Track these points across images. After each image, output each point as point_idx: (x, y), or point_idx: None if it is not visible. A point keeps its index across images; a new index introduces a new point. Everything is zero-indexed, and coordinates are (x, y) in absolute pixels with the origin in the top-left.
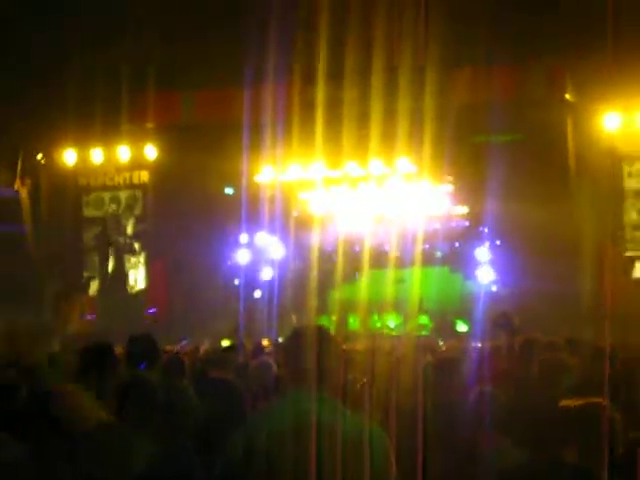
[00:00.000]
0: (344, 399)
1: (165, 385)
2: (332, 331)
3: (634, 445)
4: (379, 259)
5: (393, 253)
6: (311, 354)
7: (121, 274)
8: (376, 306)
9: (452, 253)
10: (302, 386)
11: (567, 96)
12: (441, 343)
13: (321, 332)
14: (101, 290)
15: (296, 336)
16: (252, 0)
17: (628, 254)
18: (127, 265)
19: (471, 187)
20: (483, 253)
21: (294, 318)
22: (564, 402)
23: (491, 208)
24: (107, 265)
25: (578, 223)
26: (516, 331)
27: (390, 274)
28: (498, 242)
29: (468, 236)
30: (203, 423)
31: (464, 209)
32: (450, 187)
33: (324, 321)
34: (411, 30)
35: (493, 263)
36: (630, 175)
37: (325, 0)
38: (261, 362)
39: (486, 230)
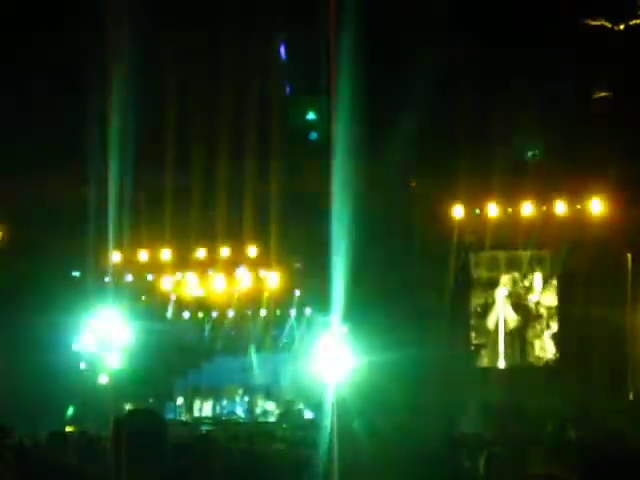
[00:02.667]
0: None
1: None
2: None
3: None
4: (229, 345)
5: (243, 339)
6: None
7: None
8: (224, 392)
9: (300, 339)
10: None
11: (412, 184)
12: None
13: (147, 418)
14: None
15: (116, 424)
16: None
17: (474, 342)
18: None
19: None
20: (329, 339)
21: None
22: None
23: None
24: None
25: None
26: None
27: (238, 360)
28: (346, 327)
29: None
30: None
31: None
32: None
33: (169, 406)
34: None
35: (340, 348)
36: (477, 265)
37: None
38: None
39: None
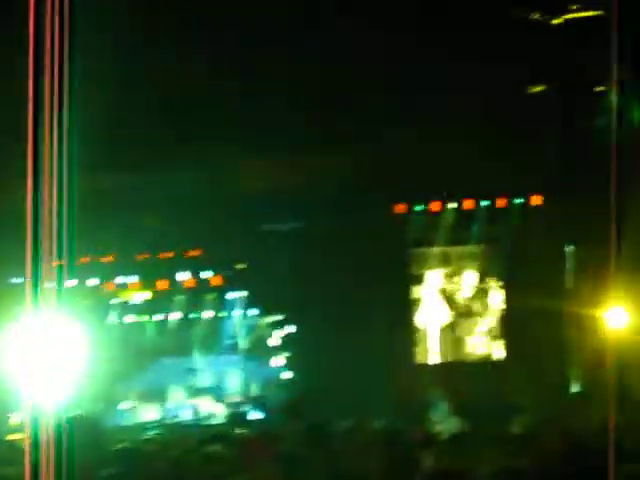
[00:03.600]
0: None
1: None
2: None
3: None
4: (174, 347)
5: (188, 341)
6: None
7: None
8: (169, 395)
9: (245, 340)
10: None
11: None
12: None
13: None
14: None
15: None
16: None
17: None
18: None
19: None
20: (276, 338)
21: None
22: None
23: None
24: None
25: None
26: None
27: (183, 362)
28: (293, 327)
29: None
30: None
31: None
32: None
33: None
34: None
35: (287, 348)
36: (417, 261)
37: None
38: None
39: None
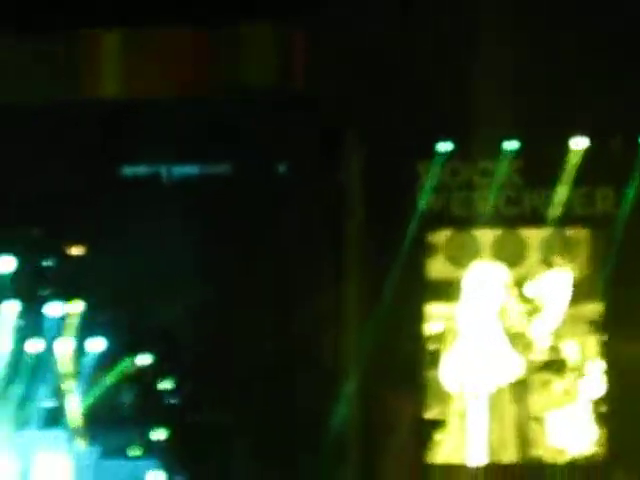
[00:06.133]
0: None
1: None
2: None
3: None
4: None
5: None
6: None
7: None
8: None
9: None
10: None
11: None
12: None
13: None
14: None
15: None
16: None
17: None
18: None
19: None
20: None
21: None
22: None
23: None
24: None
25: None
26: None
27: None
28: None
29: None
30: None
31: None
32: None
33: None
34: None
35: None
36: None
37: None
38: None
39: None
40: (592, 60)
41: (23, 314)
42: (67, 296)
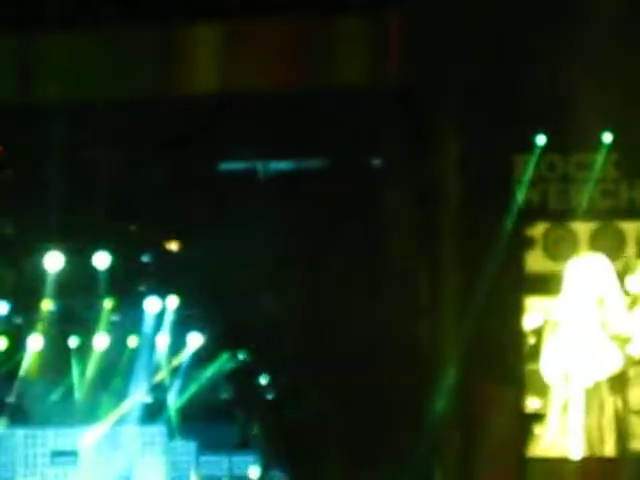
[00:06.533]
0: None
1: None
2: None
3: None
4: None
5: None
6: None
7: None
8: None
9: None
10: None
11: None
12: None
13: None
14: None
15: None
16: None
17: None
18: None
19: None
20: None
21: None
22: None
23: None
24: None
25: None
26: None
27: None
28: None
29: None
30: None
31: None
32: None
33: None
34: None
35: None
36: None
37: None
38: None
39: None
40: None
41: (121, 310)
42: (165, 291)
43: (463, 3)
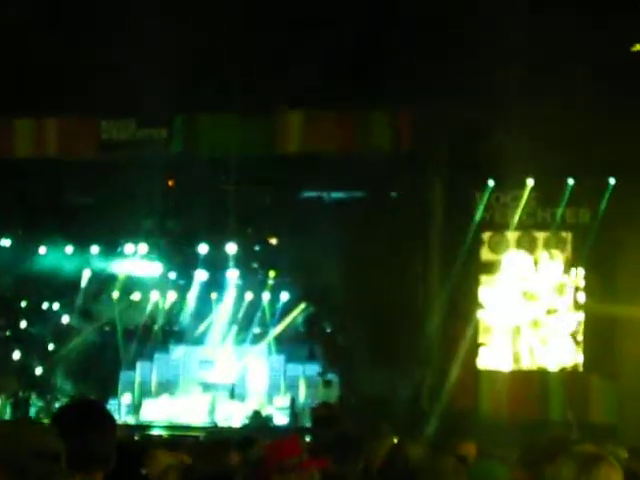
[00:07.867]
0: None
1: None
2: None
3: None
4: (187, 333)
5: (204, 327)
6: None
7: None
8: (179, 390)
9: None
10: None
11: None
12: None
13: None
14: None
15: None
16: None
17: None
18: None
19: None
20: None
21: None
22: None
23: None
24: None
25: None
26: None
27: (197, 352)
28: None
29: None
30: None
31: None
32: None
33: (112, 405)
34: None
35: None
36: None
37: None
38: None
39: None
40: None
41: (243, 279)
42: (268, 267)
43: (447, 105)
